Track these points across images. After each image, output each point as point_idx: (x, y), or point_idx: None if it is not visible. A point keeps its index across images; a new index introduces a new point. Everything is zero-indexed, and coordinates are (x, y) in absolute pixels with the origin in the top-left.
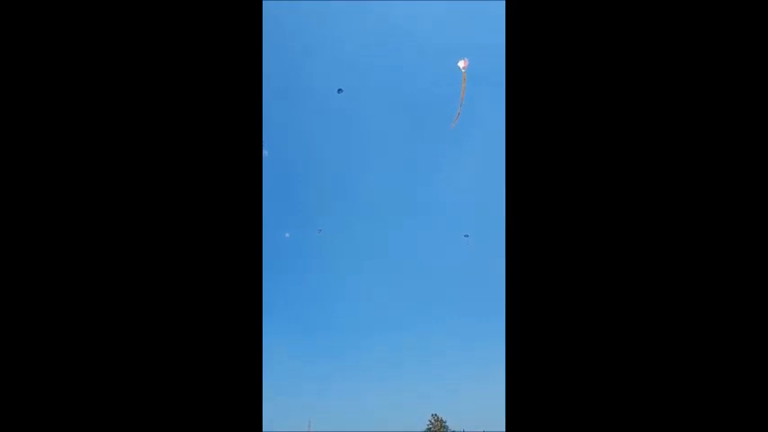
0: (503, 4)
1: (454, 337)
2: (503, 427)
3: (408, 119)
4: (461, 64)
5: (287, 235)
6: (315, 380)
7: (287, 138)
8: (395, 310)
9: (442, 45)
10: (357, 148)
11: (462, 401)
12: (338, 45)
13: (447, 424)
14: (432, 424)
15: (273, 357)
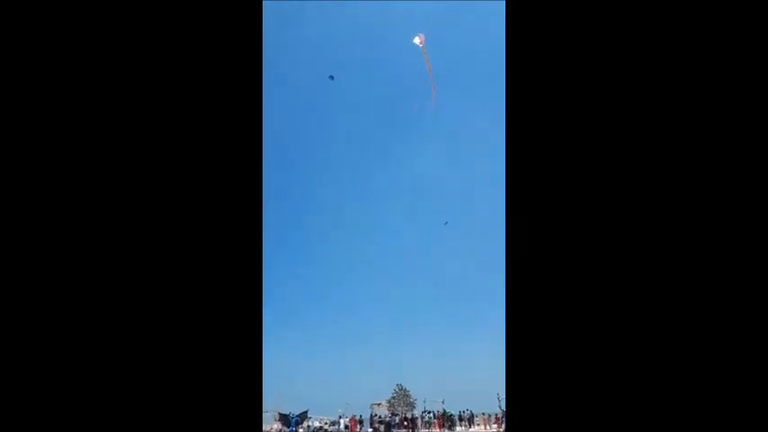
0: (492, 5)
1: (417, 316)
2: (463, 396)
3: (378, 110)
4: (417, 40)
5: None
6: (284, 353)
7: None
8: (364, 286)
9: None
10: (329, 138)
11: (425, 375)
12: (308, 40)
13: (410, 393)
14: (396, 393)
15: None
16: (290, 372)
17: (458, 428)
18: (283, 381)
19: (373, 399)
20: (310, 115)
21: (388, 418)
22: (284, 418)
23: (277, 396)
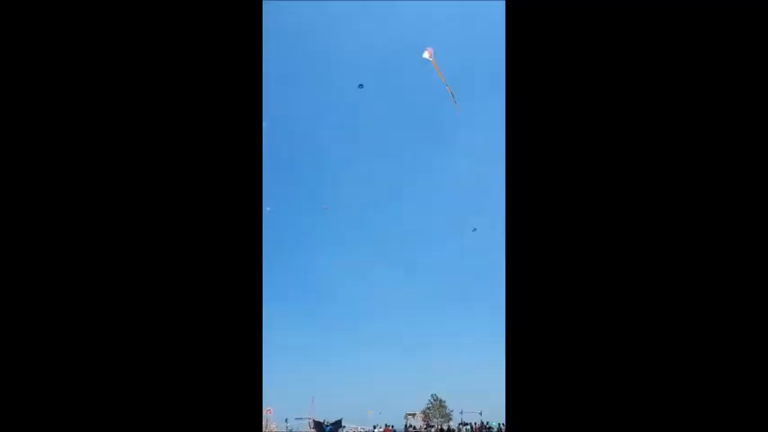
0: (502, 5)
1: (451, 325)
2: (498, 408)
3: (405, 117)
4: (426, 54)
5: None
6: (317, 360)
7: (294, 124)
8: (398, 294)
9: (443, 48)
10: (357, 142)
11: (461, 384)
12: (344, 45)
13: (445, 403)
14: (431, 403)
15: (275, 336)
16: (325, 380)
17: None
18: (318, 389)
19: (407, 409)
20: (342, 124)
21: (423, 430)
22: (319, 426)
23: (312, 403)
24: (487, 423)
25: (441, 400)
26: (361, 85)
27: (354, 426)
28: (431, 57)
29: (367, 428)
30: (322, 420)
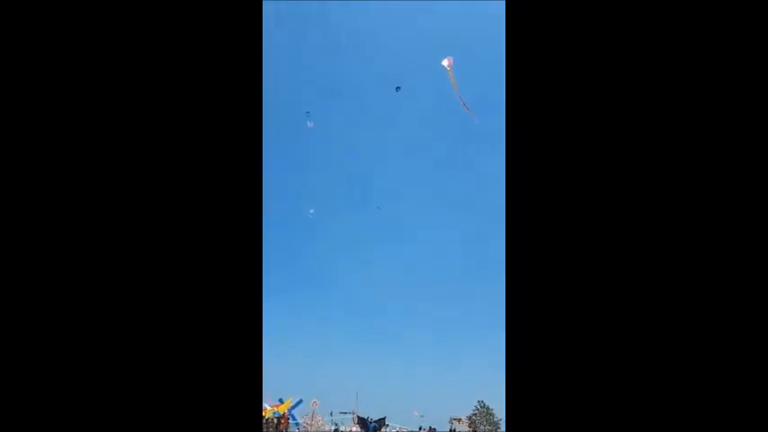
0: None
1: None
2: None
3: (437, 120)
4: (446, 62)
5: (311, 212)
6: (364, 359)
7: (323, 127)
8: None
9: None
10: (385, 143)
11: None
12: (378, 44)
13: (493, 411)
14: (477, 410)
15: (323, 336)
16: (371, 379)
17: None
18: (363, 386)
19: (452, 413)
20: (378, 125)
21: None
22: (363, 422)
23: (356, 397)
24: None
25: (488, 408)
26: (398, 88)
27: (398, 426)
28: (449, 66)
29: (411, 429)
30: (366, 417)
